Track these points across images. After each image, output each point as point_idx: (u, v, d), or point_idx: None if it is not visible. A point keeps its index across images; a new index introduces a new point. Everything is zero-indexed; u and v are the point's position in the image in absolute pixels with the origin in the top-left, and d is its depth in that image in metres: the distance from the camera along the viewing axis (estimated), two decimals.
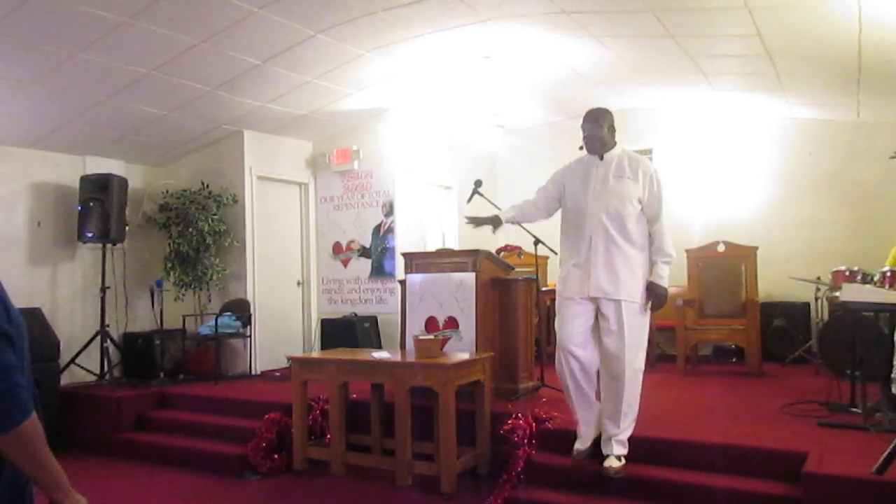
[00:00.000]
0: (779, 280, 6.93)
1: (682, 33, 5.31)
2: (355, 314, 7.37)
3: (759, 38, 5.11)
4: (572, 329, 3.77)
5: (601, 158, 3.83)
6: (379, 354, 4.76)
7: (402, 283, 5.48)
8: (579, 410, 3.87)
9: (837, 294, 5.44)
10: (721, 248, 6.64)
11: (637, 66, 6.36)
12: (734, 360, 7.18)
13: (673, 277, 7.20)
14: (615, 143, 3.87)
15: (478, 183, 4.91)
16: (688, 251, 6.74)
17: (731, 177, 7.73)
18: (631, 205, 3.70)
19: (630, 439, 3.89)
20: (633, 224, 3.72)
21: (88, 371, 6.52)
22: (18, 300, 1.64)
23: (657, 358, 7.05)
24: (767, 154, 7.60)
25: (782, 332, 6.98)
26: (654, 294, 3.75)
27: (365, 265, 7.60)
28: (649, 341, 6.60)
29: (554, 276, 7.82)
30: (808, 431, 4.00)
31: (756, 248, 6.51)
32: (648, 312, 3.82)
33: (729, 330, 6.39)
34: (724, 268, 6.60)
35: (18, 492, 1.56)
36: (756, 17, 4.71)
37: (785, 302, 7.12)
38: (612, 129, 3.84)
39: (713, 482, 3.56)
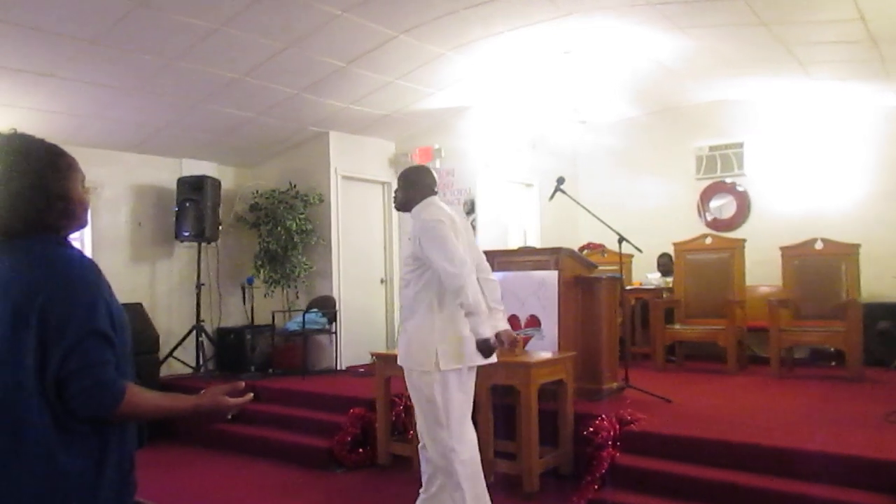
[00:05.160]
0: (883, 279, 6.52)
1: (775, 20, 5.07)
2: None
3: (861, 23, 4.82)
4: None
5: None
6: None
7: None
8: None
9: None
10: (819, 245, 6.31)
11: (726, 56, 6.13)
12: (833, 363, 6.80)
13: (766, 276, 7.03)
14: (420, 200, 3.46)
15: (560, 180, 4.87)
16: (783, 249, 6.45)
17: (830, 170, 7.33)
18: (410, 263, 3.40)
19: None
20: (419, 285, 3.33)
21: (185, 364, 6.86)
22: (122, 296, 1.74)
23: (748, 360, 6.78)
24: (869, 145, 7.16)
25: (887, 335, 6.56)
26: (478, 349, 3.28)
27: None
28: (739, 343, 6.45)
29: (639, 275, 7.67)
30: None
31: (858, 246, 6.16)
32: (449, 381, 3.25)
33: (827, 332, 6.06)
34: (823, 266, 6.28)
35: (123, 476, 1.65)
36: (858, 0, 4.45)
37: (890, 303, 6.69)
38: (413, 185, 3.49)
39: (810, 491, 3.40)
